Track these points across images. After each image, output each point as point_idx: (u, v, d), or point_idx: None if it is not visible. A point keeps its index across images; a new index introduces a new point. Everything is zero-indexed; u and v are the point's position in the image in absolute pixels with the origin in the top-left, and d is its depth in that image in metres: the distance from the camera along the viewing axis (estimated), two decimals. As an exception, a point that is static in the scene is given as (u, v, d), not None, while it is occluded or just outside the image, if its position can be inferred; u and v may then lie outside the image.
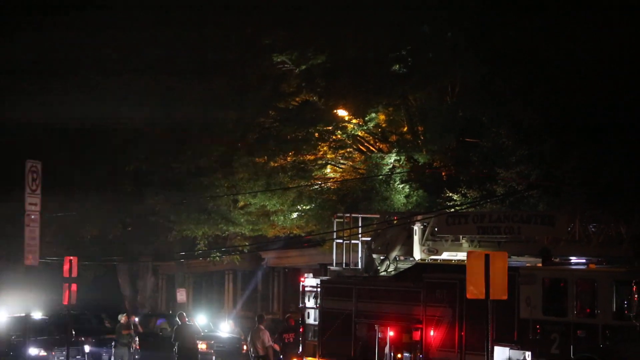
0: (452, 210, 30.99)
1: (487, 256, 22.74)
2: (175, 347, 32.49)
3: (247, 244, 42.85)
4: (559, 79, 29.90)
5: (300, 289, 31.65)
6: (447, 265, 27.96)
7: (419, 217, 29.10)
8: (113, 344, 37.04)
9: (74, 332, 36.93)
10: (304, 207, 37.73)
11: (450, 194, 32.70)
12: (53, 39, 38.87)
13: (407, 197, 35.04)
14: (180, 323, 33.21)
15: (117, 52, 39.34)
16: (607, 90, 28.64)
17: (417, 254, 28.50)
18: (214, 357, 32.57)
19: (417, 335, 27.30)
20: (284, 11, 36.13)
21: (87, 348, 37.35)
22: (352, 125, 37.26)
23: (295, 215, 38.42)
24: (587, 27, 29.06)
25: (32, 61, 39.60)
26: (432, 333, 27.01)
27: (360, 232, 30.72)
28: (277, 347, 32.05)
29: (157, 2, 38.28)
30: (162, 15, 38.01)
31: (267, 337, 31.67)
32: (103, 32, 39.05)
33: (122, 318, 38.42)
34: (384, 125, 37.40)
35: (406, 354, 27.43)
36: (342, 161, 38.43)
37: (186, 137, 38.52)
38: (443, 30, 33.30)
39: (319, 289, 30.55)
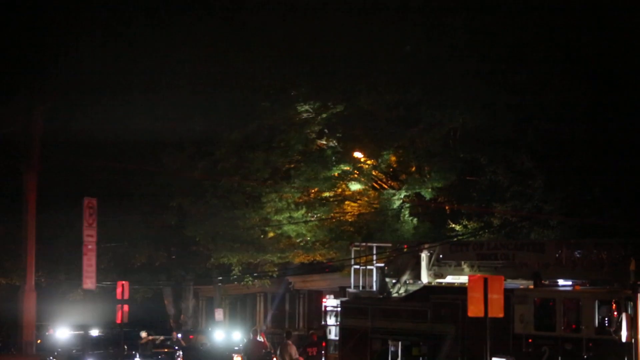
0: (455, 239, 31.08)
1: (485, 279, 22.93)
2: (245, 358, 32.89)
3: (275, 269, 42.89)
4: (546, 128, 30.15)
5: (323, 309, 31.77)
6: (451, 288, 27.97)
7: (426, 246, 29.10)
8: (137, 356, 37.38)
9: (126, 347, 37.05)
10: (324, 236, 37.82)
11: (453, 225, 32.79)
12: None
13: (415, 228, 35.10)
14: (251, 337, 33.55)
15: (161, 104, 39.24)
16: (587, 137, 28.91)
17: (425, 277, 28.50)
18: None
19: (424, 349, 27.45)
20: (308, 68, 36.29)
21: (137, 361, 37.55)
22: (367, 166, 37.42)
23: (317, 244, 38.53)
24: (569, 81, 29.35)
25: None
26: (437, 346, 27.17)
27: (374, 259, 30.68)
28: (302, 360, 32.19)
29: (193, 55, 38.04)
30: (200, 67, 37.92)
31: (294, 350, 31.68)
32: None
33: (142, 334, 38.81)
34: (394, 165, 37.53)
35: (416, 365, 27.56)
36: (358, 197, 38.52)
37: (222, 175, 38.64)
38: (444, 85, 33.37)
39: (339, 309, 30.67)
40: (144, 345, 38.50)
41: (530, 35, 31.21)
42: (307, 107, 37.06)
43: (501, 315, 23.08)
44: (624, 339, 22.58)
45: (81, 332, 41.17)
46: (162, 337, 40.42)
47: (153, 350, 38.76)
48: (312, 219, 37.15)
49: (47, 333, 44.07)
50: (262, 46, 36.38)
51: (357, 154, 37.73)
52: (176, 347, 39.29)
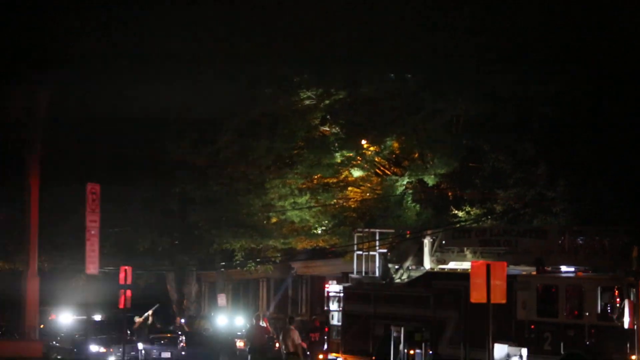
0: (458, 225, 31.10)
1: (488, 265, 22.92)
2: (248, 344, 33.06)
3: (278, 255, 42.98)
4: (548, 115, 30.15)
5: (325, 294, 31.76)
6: (454, 274, 28.08)
7: (429, 232, 29.18)
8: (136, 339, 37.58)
9: (129, 332, 37.12)
10: (327, 222, 37.85)
11: (456, 212, 32.80)
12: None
13: (417, 214, 35.11)
14: (254, 323, 33.65)
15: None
16: (588, 125, 28.94)
17: (427, 263, 28.57)
18: (249, 356, 32.89)
19: (427, 334, 27.50)
20: (311, 55, 36.21)
21: (140, 346, 37.51)
22: (370, 152, 37.41)
23: (320, 230, 38.56)
24: (572, 70, 29.37)
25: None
26: (440, 332, 27.23)
27: (377, 244, 30.73)
28: (304, 345, 32.19)
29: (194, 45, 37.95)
30: (202, 57, 37.82)
31: (296, 336, 31.75)
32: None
33: (136, 319, 38.92)
34: (397, 152, 37.51)
35: (418, 351, 27.52)
36: (361, 183, 38.52)
37: (225, 162, 38.66)
38: (448, 72, 33.33)
39: (341, 294, 30.70)
40: (139, 331, 38.56)
41: (533, 24, 31.19)
42: (309, 93, 37.03)
43: (504, 301, 23.06)
44: (626, 326, 22.69)
45: (84, 317, 41.18)
46: (150, 312, 40.34)
47: (151, 336, 38.84)
48: (316, 204, 37.17)
49: (50, 318, 44.17)
50: (265, 33, 36.31)
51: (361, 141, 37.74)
52: (179, 332, 39.35)
